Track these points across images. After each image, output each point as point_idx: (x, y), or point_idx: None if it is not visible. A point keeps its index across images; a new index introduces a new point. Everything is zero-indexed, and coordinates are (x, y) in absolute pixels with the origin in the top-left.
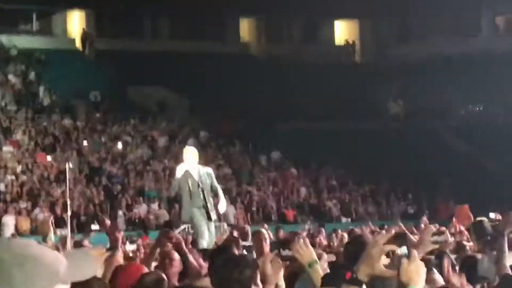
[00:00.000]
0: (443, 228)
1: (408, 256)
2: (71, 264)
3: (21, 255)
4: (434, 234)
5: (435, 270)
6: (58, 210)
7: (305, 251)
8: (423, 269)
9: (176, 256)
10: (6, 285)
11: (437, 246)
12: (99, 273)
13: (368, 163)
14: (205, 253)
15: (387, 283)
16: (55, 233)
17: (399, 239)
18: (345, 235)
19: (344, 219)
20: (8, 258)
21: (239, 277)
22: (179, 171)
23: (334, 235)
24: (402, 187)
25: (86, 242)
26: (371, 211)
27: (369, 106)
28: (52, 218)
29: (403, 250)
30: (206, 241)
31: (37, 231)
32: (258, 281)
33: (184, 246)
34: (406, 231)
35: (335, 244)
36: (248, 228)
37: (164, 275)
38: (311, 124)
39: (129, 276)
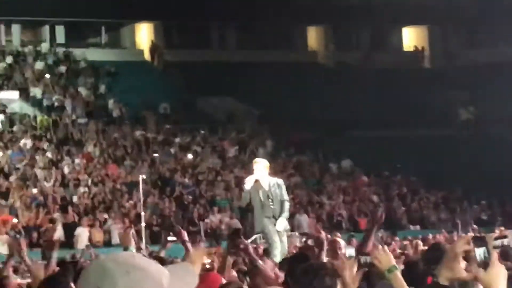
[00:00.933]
0: (507, 232)
1: (488, 258)
2: (174, 277)
3: (127, 264)
4: (496, 238)
5: None
6: (131, 222)
7: (384, 257)
8: (504, 272)
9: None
10: None
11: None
12: None
13: (439, 170)
14: (282, 263)
15: (468, 287)
16: (136, 245)
17: (478, 241)
18: (420, 242)
19: (414, 227)
20: (113, 267)
21: (320, 285)
22: (249, 182)
23: (407, 243)
24: (475, 193)
25: (162, 253)
26: (444, 218)
27: (440, 112)
28: (133, 230)
29: (481, 251)
30: (279, 250)
31: (111, 243)
32: None
33: (251, 251)
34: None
35: (410, 252)
36: (324, 236)
37: (241, 284)
38: (381, 131)
39: (209, 286)
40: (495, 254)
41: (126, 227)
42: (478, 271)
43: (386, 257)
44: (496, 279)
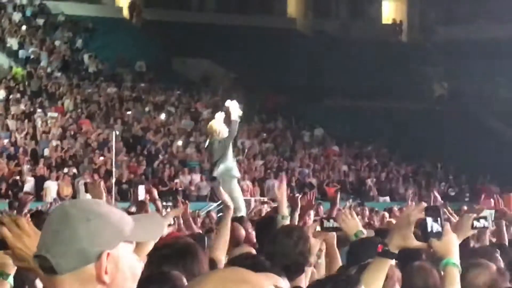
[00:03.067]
0: (486, 213)
1: (442, 228)
2: (138, 225)
3: (89, 211)
4: (474, 219)
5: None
6: (100, 178)
7: (352, 221)
8: (455, 241)
9: None
10: (71, 238)
11: (475, 231)
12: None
13: (411, 143)
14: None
15: (418, 255)
16: (106, 198)
17: (431, 211)
18: (386, 214)
19: (383, 198)
20: (75, 212)
21: (296, 249)
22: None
23: (373, 214)
24: (443, 169)
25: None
26: (412, 191)
27: (414, 86)
28: (103, 183)
29: (431, 221)
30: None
31: (79, 196)
32: None
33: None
34: (439, 205)
35: (375, 222)
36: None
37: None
38: (355, 101)
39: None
40: (447, 224)
41: (96, 179)
42: (431, 240)
43: (354, 221)
44: (450, 247)
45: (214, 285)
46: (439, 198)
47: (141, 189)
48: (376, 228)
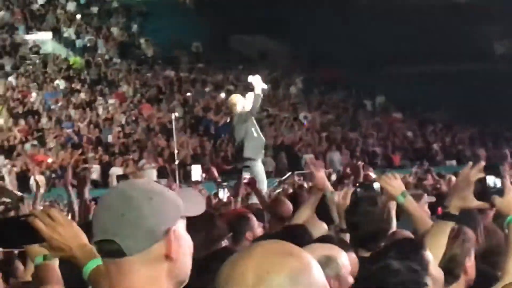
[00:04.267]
0: None
1: (503, 187)
2: (185, 200)
3: (147, 190)
4: None
5: None
6: (164, 161)
7: (396, 182)
8: None
9: None
10: (138, 218)
11: None
12: None
13: (474, 105)
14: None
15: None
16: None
17: (490, 169)
18: (453, 177)
19: (449, 163)
20: (136, 193)
21: (382, 216)
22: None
23: (440, 178)
24: (510, 129)
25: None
26: (478, 153)
27: (474, 46)
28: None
29: (492, 179)
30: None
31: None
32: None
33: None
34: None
35: (442, 187)
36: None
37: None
38: (414, 67)
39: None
40: (508, 182)
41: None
42: (493, 198)
43: (398, 182)
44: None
45: (258, 258)
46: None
47: (196, 169)
48: (443, 192)
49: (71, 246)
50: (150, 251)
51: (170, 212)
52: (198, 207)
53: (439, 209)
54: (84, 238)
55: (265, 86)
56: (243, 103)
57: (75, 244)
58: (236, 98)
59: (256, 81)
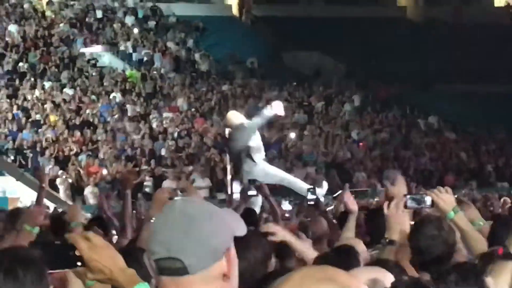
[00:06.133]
0: None
1: None
2: (231, 220)
3: (206, 210)
4: None
5: None
6: (218, 175)
7: (449, 197)
8: None
9: None
10: (201, 237)
11: None
12: None
13: None
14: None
15: None
16: None
17: None
18: (508, 199)
19: (501, 184)
20: (196, 212)
21: (448, 240)
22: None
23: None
24: None
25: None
26: None
27: None
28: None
29: None
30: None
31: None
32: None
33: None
34: None
35: (496, 208)
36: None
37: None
38: (469, 86)
39: None
40: None
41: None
42: None
43: (451, 198)
44: None
45: (297, 283)
46: None
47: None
48: (496, 214)
49: (112, 268)
50: (211, 270)
51: (228, 232)
52: (243, 227)
53: (500, 249)
54: (122, 261)
55: (282, 114)
56: (241, 118)
57: (115, 267)
58: (233, 113)
59: (276, 106)
